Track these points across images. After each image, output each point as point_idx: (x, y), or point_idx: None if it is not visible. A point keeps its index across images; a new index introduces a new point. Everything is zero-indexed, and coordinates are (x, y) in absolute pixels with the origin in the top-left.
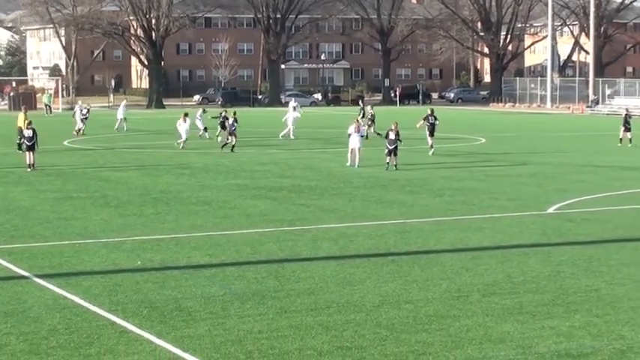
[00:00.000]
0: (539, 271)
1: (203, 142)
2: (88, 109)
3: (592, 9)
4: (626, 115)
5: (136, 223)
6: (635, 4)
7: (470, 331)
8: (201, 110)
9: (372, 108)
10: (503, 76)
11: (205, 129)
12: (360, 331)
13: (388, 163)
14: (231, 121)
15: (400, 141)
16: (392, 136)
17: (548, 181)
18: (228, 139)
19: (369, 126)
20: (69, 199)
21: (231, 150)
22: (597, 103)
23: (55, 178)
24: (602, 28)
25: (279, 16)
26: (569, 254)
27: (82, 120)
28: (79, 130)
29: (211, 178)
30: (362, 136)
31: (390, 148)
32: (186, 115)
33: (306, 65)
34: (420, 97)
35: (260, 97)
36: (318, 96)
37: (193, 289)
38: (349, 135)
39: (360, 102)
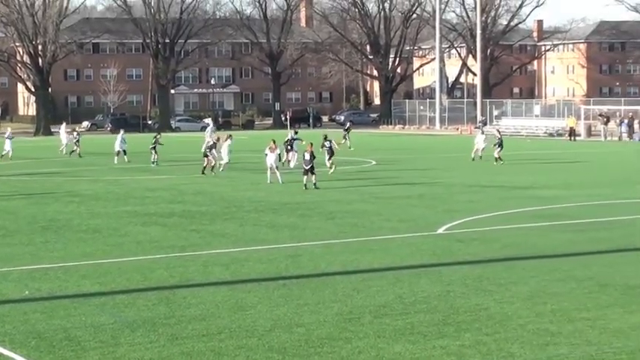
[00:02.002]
0: (429, 292)
1: (93, 170)
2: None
3: (478, 31)
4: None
5: (23, 253)
6: (520, 26)
7: (362, 352)
8: (122, 131)
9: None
10: (392, 99)
11: (124, 152)
12: (252, 356)
13: (306, 183)
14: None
15: (314, 157)
16: (307, 156)
17: (438, 201)
18: (205, 162)
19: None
20: None
21: (211, 170)
22: (485, 124)
23: None
24: (488, 50)
25: (167, 41)
26: (459, 274)
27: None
28: (6, 154)
29: (101, 205)
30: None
31: (307, 168)
32: (229, 136)
33: (196, 90)
34: (311, 120)
35: (150, 122)
36: (208, 121)
37: (83, 318)
38: (266, 155)
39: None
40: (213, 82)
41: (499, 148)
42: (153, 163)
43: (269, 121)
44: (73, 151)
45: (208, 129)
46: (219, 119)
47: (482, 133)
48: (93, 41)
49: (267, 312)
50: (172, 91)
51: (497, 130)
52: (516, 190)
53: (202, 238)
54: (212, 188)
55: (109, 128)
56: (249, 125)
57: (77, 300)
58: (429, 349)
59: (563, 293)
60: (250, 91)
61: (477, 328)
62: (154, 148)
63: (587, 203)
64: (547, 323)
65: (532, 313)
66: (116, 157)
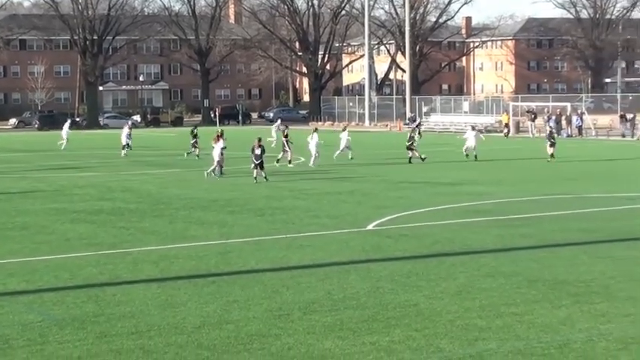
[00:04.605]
0: (359, 288)
1: (20, 167)
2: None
3: (407, 28)
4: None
5: None
6: (449, 22)
7: (291, 349)
8: (129, 124)
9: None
10: (322, 95)
11: (127, 145)
12: (181, 353)
13: (256, 177)
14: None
15: (265, 152)
16: (257, 151)
17: (367, 198)
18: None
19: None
20: None
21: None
22: (414, 120)
23: None
24: (417, 47)
25: (95, 37)
26: (389, 270)
27: None
28: None
29: (29, 202)
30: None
31: (257, 162)
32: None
33: (124, 87)
34: (240, 117)
35: (78, 119)
36: (137, 117)
37: (10, 316)
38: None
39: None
40: (141, 78)
41: (551, 145)
42: (192, 154)
43: (198, 117)
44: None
45: (276, 125)
46: (148, 116)
47: (473, 129)
48: (20, 38)
49: (197, 309)
50: (100, 88)
51: (550, 127)
52: (446, 186)
53: (132, 236)
54: (140, 185)
55: (36, 126)
56: (178, 122)
57: (4, 298)
58: (358, 345)
59: (492, 288)
60: (179, 88)
61: (407, 324)
62: (195, 143)
63: (515, 199)
64: (476, 318)
65: (461, 309)
66: (122, 151)
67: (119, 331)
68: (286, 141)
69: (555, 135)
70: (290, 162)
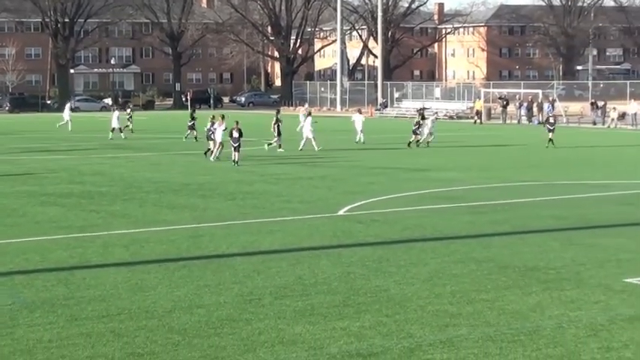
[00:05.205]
0: (330, 273)
1: None
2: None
3: (380, 13)
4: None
5: None
6: (421, 8)
7: (262, 334)
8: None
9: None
10: (293, 80)
11: (121, 129)
12: (152, 337)
13: (235, 159)
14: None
15: (242, 135)
16: (235, 134)
17: (339, 183)
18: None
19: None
20: None
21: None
22: (386, 106)
23: None
24: (389, 33)
25: (67, 20)
26: (360, 255)
27: None
28: None
29: None
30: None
31: (235, 145)
32: (222, 117)
33: (95, 70)
34: (212, 101)
35: (49, 102)
36: (109, 101)
37: None
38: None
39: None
40: (113, 61)
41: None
42: (187, 138)
43: (169, 101)
44: (126, 126)
45: (304, 108)
46: (119, 99)
47: (426, 118)
48: None
49: (168, 293)
50: (72, 71)
51: (549, 114)
52: (417, 172)
53: (102, 219)
54: (111, 169)
55: (7, 108)
56: (149, 106)
57: None
58: (329, 330)
59: (462, 275)
60: (151, 72)
61: (377, 310)
62: (193, 126)
63: (486, 185)
64: (447, 304)
65: (432, 295)
66: (111, 133)
67: (89, 314)
68: (277, 125)
69: (552, 120)
70: (267, 145)
